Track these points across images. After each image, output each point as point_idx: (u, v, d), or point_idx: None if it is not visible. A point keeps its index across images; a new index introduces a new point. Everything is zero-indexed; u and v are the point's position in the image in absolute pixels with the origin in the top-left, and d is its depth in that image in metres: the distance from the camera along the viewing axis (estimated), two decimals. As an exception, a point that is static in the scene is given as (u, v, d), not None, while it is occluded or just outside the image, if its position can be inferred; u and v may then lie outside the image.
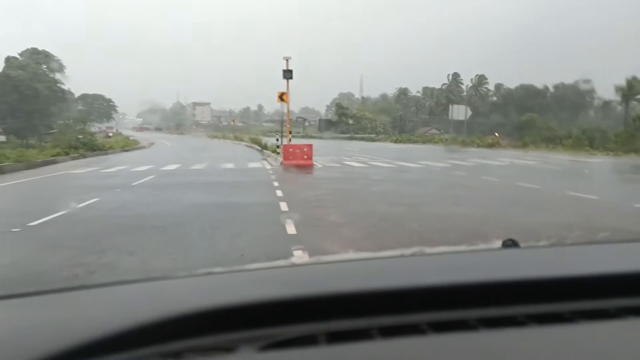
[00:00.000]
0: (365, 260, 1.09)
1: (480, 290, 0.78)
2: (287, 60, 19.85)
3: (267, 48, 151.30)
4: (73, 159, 24.62)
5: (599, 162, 22.27)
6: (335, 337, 0.68)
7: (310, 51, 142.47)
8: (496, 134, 41.00)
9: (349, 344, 0.66)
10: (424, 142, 45.80)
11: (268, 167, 18.00)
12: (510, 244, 1.09)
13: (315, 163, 17.88)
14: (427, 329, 0.69)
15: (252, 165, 19.09)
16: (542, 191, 10.98)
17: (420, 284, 0.79)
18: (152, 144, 44.59)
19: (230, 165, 18.68)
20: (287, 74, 19.81)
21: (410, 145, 41.55)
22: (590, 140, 31.26)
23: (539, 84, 61.97)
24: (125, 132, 67.96)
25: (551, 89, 61.03)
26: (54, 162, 21.65)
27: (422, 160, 20.87)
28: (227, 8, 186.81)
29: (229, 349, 0.66)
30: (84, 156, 26.53)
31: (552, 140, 34.27)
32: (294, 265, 1.11)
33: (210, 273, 0.98)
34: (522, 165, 19.30)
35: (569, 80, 59.99)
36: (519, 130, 43.39)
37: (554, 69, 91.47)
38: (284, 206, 8.41)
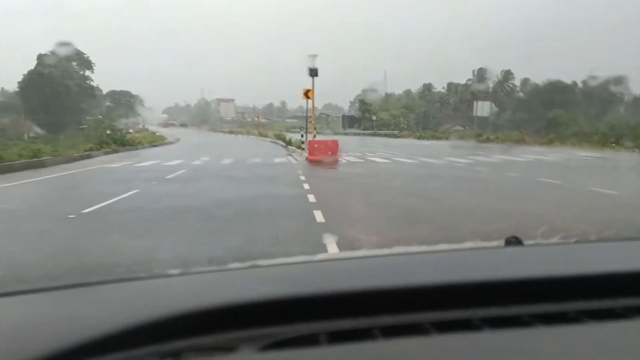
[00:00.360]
0: (367, 258, 1.08)
1: (484, 290, 0.77)
2: (312, 57, 20.45)
3: (292, 43, 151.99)
4: (106, 153, 25.52)
5: (623, 158, 22.26)
6: (337, 337, 0.67)
7: (334, 47, 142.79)
8: (522, 130, 40.80)
9: (350, 344, 0.65)
10: (447, 139, 45.84)
11: (294, 162, 18.60)
12: (513, 241, 1.08)
13: (339, 158, 18.42)
14: (430, 328, 0.69)
15: (277, 160, 19.70)
16: (561, 186, 11.31)
17: (423, 282, 0.79)
18: (178, 139, 45.51)
19: (257, 160, 19.34)
20: (313, 72, 20.40)
21: (434, 142, 41.68)
22: (617, 137, 30.95)
23: (567, 79, 60.86)
24: (151, 128, 69.23)
25: (580, 85, 60.21)
26: (89, 157, 22.58)
27: (445, 156, 21.20)
28: (252, 4, 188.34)
29: (229, 348, 0.65)
30: (116, 151, 27.42)
31: (579, 137, 34.01)
32: (295, 263, 1.10)
33: (210, 271, 0.98)
34: (543, 161, 19.50)
35: (599, 75, 58.94)
36: (545, 127, 43.16)
37: (583, 64, 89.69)
38: (311, 198, 8.96)
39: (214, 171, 15.02)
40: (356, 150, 24.19)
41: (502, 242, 1.09)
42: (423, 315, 0.72)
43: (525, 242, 1.07)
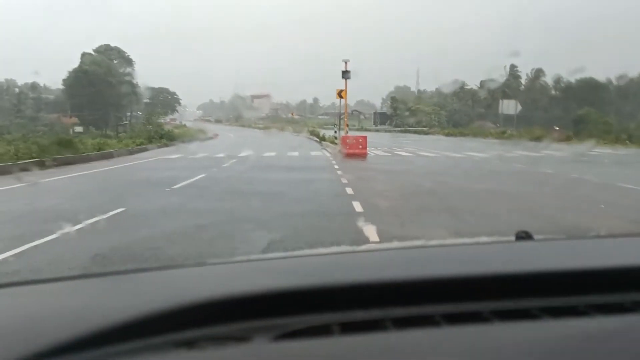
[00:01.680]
0: (379, 252, 1.13)
1: (494, 283, 0.78)
2: (345, 62, 22.91)
3: (325, 40, 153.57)
4: (159, 147, 28.32)
5: (624, 153, 23.90)
6: (349, 328, 0.68)
7: (367, 44, 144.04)
8: (555, 127, 41.90)
9: (362, 335, 0.66)
10: (474, 135, 47.41)
11: (328, 154, 21.12)
12: (523, 236, 1.09)
13: (369, 152, 20.83)
14: (441, 320, 0.69)
15: (314, 153, 22.32)
16: (553, 174, 13.48)
17: (435, 275, 0.80)
18: (217, 135, 47.43)
19: (295, 154, 21.89)
20: (346, 74, 22.88)
21: (461, 138, 43.50)
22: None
23: (602, 77, 60.42)
24: (188, 124, 71.71)
25: (615, 82, 59.72)
26: (146, 150, 25.44)
27: (466, 151, 23.34)
28: (285, 2, 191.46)
29: (243, 338, 0.66)
30: (167, 145, 30.03)
31: (608, 135, 34.38)
32: (308, 255, 1.11)
33: (224, 262, 1.03)
34: (552, 156, 21.41)
35: (634, 73, 58.18)
36: (574, 124, 44.10)
37: (619, 61, 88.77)
38: (344, 180, 11.44)
39: (261, 162, 17.63)
40: (385, 145, 26.55)
41: (512, 237, 1.10)
42: (434, 307, 0.72)
43: (536, 236, 1.09)
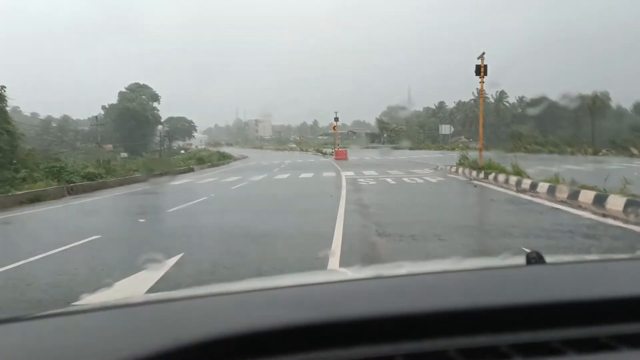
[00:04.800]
0: (385, 279, 1.06)
1: (509, 314, 0.74)
2: (335, 116, 42.45)
3: (323, 65, 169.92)
4: (208, 167, 37.09)
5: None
6: None
7: (364, 68, 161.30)
8: (470, 140, 58.29)
9: None
10: (435, 149, 60.46)
11: (329, 159, 40.68)
12: (534, 257, 1.06)
13: (348, 157, 40.10)
14: (456, 356, 0.66)
15: (321, 159, 42.08)
16: (398, 156, 32.83)
17: (446, 306, 0.76)
18: (243, 156, 55.43)
19: (312, 160, 41.47)
20: (336, 120, 42.53)
21: (422, 151, 55.12)
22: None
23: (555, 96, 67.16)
24: (201, 147, 78.81)
25: (569, 99, 67.63)
26: (193, 170, 33.26)
27: (400, 155, 42.62)
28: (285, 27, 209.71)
29: None
30: (213, 166, 38.89)
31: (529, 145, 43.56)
32: (312, 284, 1.07)
33: (220, 294, 0.97)
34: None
35: (586, 91, 62.12)
36: (510, 138, 56.99)
37: (573, 78, 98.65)
38: (336, 164, 30.90)
39: (298, 164, 36.51)
40: (361, 156, 45.84)
41: (522, 258, 1.08)
42: (447, 341, 0.69)
43: (548, 259, 1.06)
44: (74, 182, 19.49)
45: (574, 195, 10.16)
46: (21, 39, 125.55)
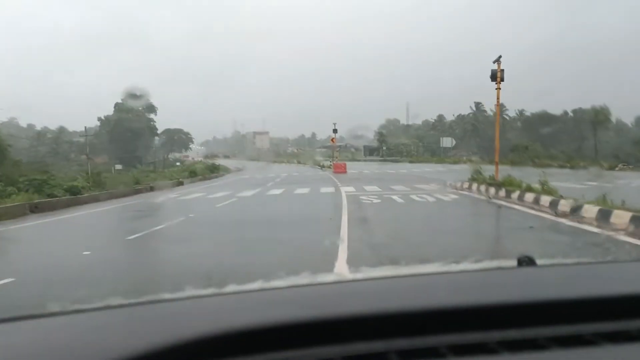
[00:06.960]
0: (380, 280, 1.09)
1: (499, 312, 0.77)
2: (334, 128, 41.41)
3: (323, 78, 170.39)
4: (192, 181, 36.23)
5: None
6: None
7: (363, 81, 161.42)
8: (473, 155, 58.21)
9: None
10: (436, 162, 59.94)
11: (327, 173, 39.52)
12: (526, 260, 1.09)
13: (348, 171, 39.02)
14: (447, 352, 0.68)
15: (320, 173, 40.80)
16: (389, 169, 31.69)
17: (438, 305, 0.78)
18: (239, 169, 55.21)
19: (310, 173, 40.30)
20: (334, 131, 41.48)
21: (422, 164, 54.11)
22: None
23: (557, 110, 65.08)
24: (197, 160, 76.00)
25: (570, 114, 63.81)
26: (193, 181, 34.97)
27: (400, 169, 41.57)
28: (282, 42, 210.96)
29: None
30: (206, 178, 39.34)
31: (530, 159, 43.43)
32: (308, 285, 1.09)
33: (219, 294, 0.98)
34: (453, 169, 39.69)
35: (583, 104, 63.50)
36: (511, 151, 58.18)
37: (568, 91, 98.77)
38: (334, 178, 29.66)
39: (295, 177, 35.54)
40: (360, 169, 44.78)
41: (514, 262, 1.10)
42: (439, 338, 0.71)
43: (538, 261, 1.10)
44: (57, 196, 18.69)
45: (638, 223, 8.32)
46: (24, 49, 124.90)
